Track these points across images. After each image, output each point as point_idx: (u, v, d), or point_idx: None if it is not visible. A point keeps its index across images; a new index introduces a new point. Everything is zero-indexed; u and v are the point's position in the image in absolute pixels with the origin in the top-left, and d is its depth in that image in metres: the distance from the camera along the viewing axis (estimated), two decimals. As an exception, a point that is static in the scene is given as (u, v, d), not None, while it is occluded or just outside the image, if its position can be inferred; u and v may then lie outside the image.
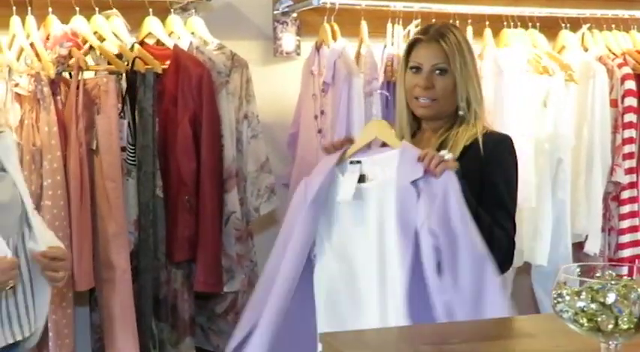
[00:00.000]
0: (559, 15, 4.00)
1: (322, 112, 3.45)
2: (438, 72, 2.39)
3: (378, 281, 2.26)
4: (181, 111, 3.20)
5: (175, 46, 3.28)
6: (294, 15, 3.74)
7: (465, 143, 2.38)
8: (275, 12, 3.74)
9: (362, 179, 2.31)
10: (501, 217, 2.36)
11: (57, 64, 3.03)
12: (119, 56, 3.18)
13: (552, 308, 1.36)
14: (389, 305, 2.24)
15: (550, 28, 4.02)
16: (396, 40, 3.57)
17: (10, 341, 2.23)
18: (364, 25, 3.59)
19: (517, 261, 3.90)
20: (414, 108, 2.43)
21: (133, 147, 3.16)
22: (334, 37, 3.54)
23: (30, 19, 3.12)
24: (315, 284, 2.36)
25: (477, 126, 2.41)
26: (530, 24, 3.93)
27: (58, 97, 3.06)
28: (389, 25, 3.61)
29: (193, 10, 3.44)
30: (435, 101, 2.40)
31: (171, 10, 3.38)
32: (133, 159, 3.16)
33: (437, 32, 2.41)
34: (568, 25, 4.04)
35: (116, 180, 3.08)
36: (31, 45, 3.08)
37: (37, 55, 3.05)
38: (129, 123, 3.15)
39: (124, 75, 3.17)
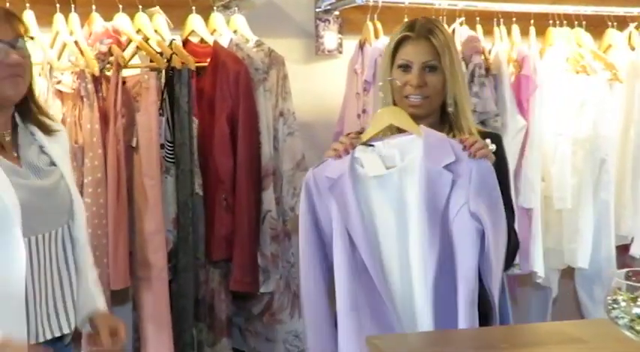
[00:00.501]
0: (605, 13, 3.92)
1: (364, 111, 3.41)
2: (428, 69, 2.33)
3: (400, 270, 2.22)
4: (219, 108, 3.19)
5: (215, 43, 3.27)
6: (336, 13, 3.71)
7: None
8: (317, 10, 3.73)
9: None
10: (511, 217, 2.34)
11: (97, 61, 3.03)
12: (161, 54, 3.17)
13: (606, 315, 1.32)
14: (414, 293, 2.21)
15: (596, 26, 3.95)
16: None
17: (57, 334, 2.22)
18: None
19: (559, 264, 3.84)
20: (403, 107, 2.35)
21: (171, 145, 3.14)
22: (377, 36, 3.51)
23: (73, 16, 3.12)
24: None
25: (469, 124, 2.37)
26: (575, 22, 3.87)
27: (100, 95, 3.05)
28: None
29: (235, 8, 3.42)
30: (427, 99, 2.34)
31: (214, 7, 3.36)
32: (171, 156, 3.15)
33: (425, 28, 2.34)
34: (615, 23, 3.97)
35: (155, 177, 3.07)
36: (75, 42, 3.08)
37: (81, 52, 3.04)
38: (167, 121, 3.14)
39: (163, 72, 3.15)
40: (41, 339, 2.20)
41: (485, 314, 2.18)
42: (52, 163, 2.26)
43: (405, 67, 2.33)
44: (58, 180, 2.24)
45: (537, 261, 3.64)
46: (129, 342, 3.31)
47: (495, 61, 3.56)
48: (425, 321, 2.16)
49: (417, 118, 2.31)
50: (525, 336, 1.85)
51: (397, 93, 2.35)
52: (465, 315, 2.12)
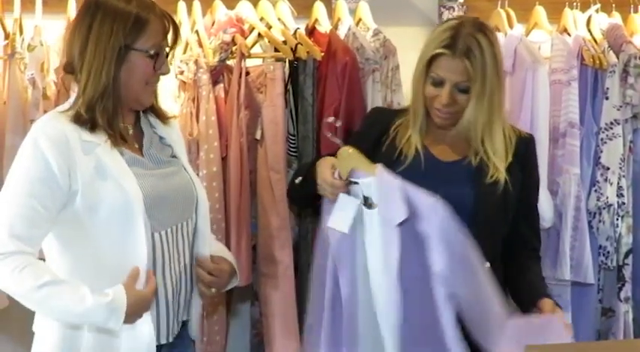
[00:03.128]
0: None
1: (497, 103, 3.25)
2: (460, 88, 2.23)
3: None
4: (328, 100, 3.07)
5: (331, 31, 3.15)
6: (461, 0, 3.55)
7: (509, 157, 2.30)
8: (441, -3, 3.57)
9: (366, 201, 2.17)
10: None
11: (220, 51, 2.94)
12: (285, 43, 3.07)
13: None
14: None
15: None
16: (580, 26, 3.38)
17: (163, 341, 2.14)
18: (541, 11, 3.40)
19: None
20: (433, 115, 2.30)
21: (294, 138, 3.05)
22: (510, 24, 3.36)
23: (196, 4, 3.05)
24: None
25: (502, 132, 2.31)
26: None
27: (221, 85, 2.97)
28: (567, 11, 3.40)
29: (357, -4, 3.31)
30: (456, 114, 2.27)
31: (340, -5, 3.26)
32: (294, 149, 3.05)
33: (465, 46, 2.20)
34: None
35: (281, 171, 2.98)
36: (196, 32, 3.01)
37: (199, 41, 2.97)
38: (290, 112, 3.04)
39: (287, 62, 3.05)
40: (171, 339, 2.14)
41: None
42: (174, 155, 2.20)
43: (438, 82, 2.24)
44: (180, 171, 2.18)
45: None
46: (247, 338, 3.24)
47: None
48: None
49: (444, 128, 2.30)
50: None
51: (428, 102, 2.29)
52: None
